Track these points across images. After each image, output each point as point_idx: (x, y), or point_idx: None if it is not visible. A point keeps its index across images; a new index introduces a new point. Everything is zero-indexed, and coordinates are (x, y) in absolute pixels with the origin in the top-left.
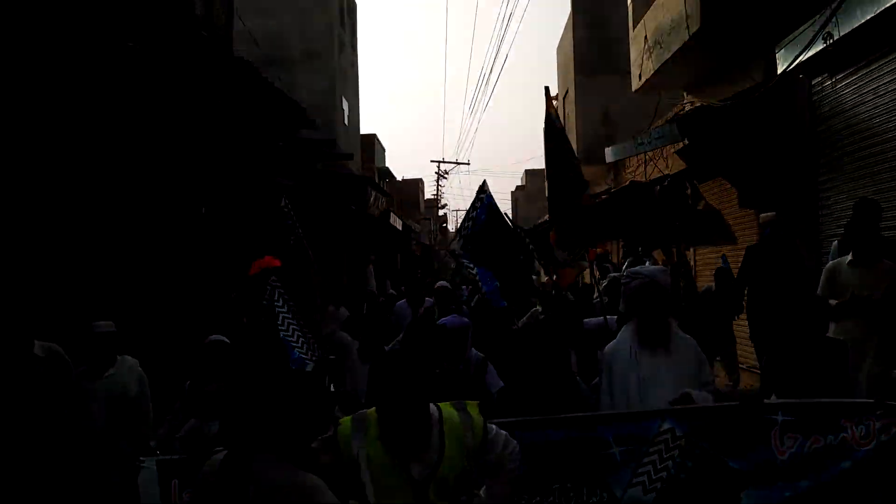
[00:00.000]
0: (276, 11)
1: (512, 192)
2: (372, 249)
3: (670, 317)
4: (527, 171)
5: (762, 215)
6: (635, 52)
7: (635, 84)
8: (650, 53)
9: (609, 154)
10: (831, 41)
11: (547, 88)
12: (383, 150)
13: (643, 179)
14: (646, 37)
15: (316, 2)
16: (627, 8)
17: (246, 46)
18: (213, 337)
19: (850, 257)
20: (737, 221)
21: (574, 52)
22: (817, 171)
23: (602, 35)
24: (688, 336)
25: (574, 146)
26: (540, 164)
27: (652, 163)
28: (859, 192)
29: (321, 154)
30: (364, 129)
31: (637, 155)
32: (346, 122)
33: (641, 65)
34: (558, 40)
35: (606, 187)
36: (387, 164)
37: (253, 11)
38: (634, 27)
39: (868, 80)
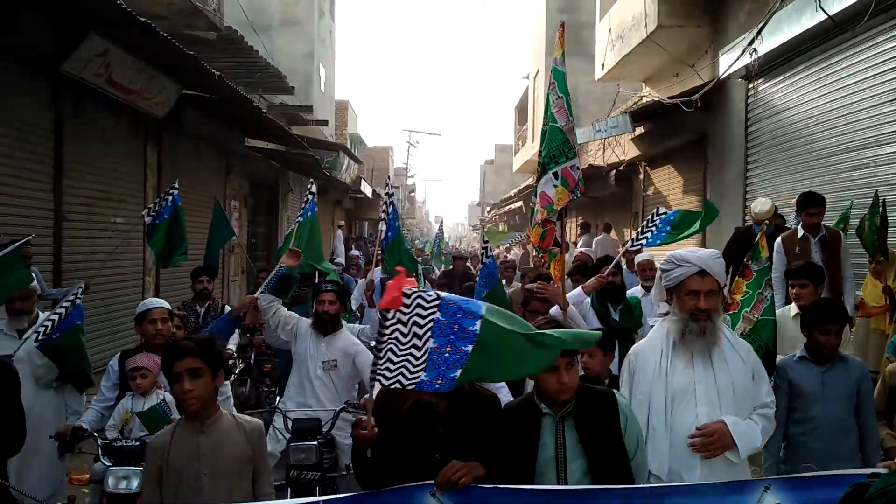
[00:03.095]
0: None
1: (481, 165)
2: (342, 215)
3: (718, 314)
4: (496, 145)
5: (756, 211)
6: (600, 43)
7: (598, 74)
8: (613, 46)
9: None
10: (755, 54)
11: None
12: (356, 116)
13: (602, 163)
14: (610, 30)
15: None
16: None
17: (230, 10)
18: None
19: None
20: (681, 206)
21: (546, 34)
22: (746, 166)
23: (573, 19)
24: (741, 340)
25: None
26: (509, 139)
27: (610, 148)
28: (781, 186)
29: (298, 119)
30: (338, 96)
31: (595, 140)
32: (322, 88)
33: (605, 56)
34: (532, 21)
35: None
36: (358, 131)
37: None
38: (601, 19)
39: (791, 86)
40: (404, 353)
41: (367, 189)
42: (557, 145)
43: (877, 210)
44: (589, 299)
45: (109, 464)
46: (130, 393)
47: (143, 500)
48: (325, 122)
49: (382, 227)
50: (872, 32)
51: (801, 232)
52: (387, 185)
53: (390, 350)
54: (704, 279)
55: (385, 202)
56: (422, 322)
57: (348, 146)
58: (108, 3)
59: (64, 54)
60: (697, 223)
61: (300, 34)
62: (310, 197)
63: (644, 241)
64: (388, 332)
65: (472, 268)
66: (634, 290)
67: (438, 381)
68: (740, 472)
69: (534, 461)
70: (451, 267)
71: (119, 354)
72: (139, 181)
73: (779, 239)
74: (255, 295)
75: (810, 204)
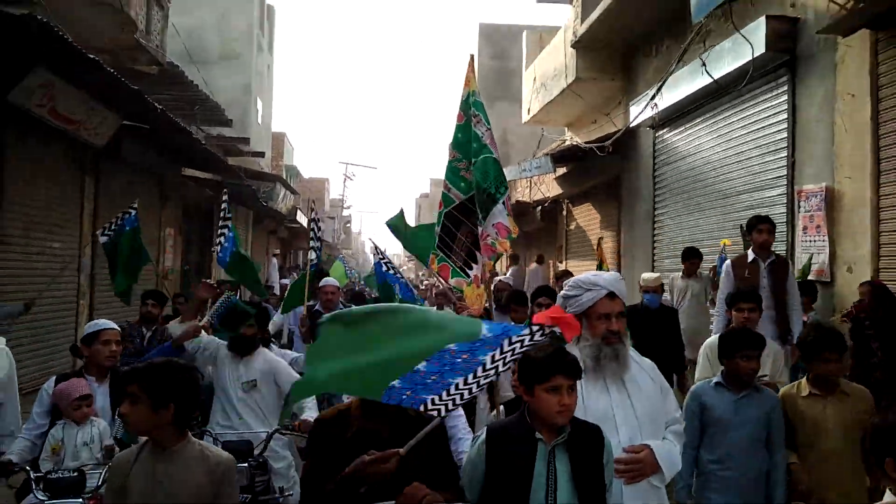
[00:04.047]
0: (197, 10)
1: (416, 198)
2: (277, 244)
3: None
4: (431, 180)
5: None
6: (526, 90)
7: (525, 117)
8: (537, 93)
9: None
10: (656, 108)
11: (472, 56)
12: (292, 148)
13: (529, 200)
14: (535, 78)
15: (236, 4)
16: (522, 50)
17: (171, 41)
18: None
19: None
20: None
21: (478, 76)
22: (654, 205)
23: (503, 65)
24: (645, 359)
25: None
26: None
27: (536, 186)
28: (685, 223)
29: (234, 150)
30: (275, 128)
31: (521, 179)
32: (259, 120)
33: (531, 101)
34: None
35: None
36: (294, 163)
37: (173, 9)
38: (526, 68)
39: (690, 136)
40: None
41: (302, 219)
42: (496, 175)
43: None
44: None
45: (45, 497)
46: (62, 421)
47: None
48: (261, 154)
49: (312, 255)
50: (755, 92)
51: (751, 256)
52: (312, 210)
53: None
54: (614, 301)
55: (313, 229)
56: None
57: (284, 177)
58: (57, 39)
59: (10, 85)
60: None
61: (239, 68)
62: (132, 212)
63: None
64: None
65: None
66: None
67: (407, 393)
68: (662, 496)
69: (528, 490)
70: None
71: (53, 379)
72: (77, 208)
73: (728, 262)
74: (203, 323)
75: (760, 221)
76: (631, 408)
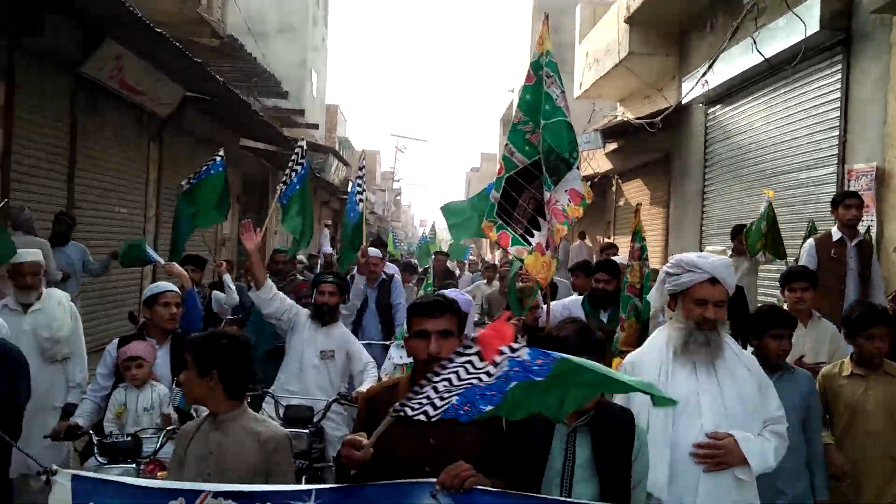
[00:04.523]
0: None
1: (466, 172)
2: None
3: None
4: (482, 154)
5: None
6: (578, 65)
7: (576, 92)
8: (590, 68)
9: None
10: (707, 85)
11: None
12: (345, 120)
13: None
14: (587, 53)
15: None
16: (575, 24)
17: (231, 17)
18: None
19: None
20: (649, 215)
21: (529, 51)
22: (704, 182)
23: (556, 39)
24: (745, 352)
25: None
26: (494, 149)
27: (586, 161)
28: (734, 201)
29: (290, 121)
30: (328, 100)
31: None
32: (314, 93)
33: (583, 76)
34: (518, 39)
35: None
36: (346, 135)
37: None
38: (579, 43)
39: (743, 113)
40: (447, 394)
41: None
42: (571, 140)
43: (768, 217)
44: (579, 302)
45: (104, 461)
46: (124, 384)
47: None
48: (315, 126)
49: (360, 207)
50: (808, 71)
51: (836, 234)
52: (361, 168)
53: (433, 387)
54: (715, 288)
55: (359, 183)
56: (493, 373)
57: (337, 149)
58: (127, 12)
59: (83, 57)
60: None
61: (295, 41)
62: (217, 159)
63: None
64: (442, 373)
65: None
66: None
67: (465, 408)
68: (748, 493)
69: (542, 472)
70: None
71: (117, 340)
72: (142, 175)
73: (810, 240)
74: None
75: (848, 196)
76: (720, 395)
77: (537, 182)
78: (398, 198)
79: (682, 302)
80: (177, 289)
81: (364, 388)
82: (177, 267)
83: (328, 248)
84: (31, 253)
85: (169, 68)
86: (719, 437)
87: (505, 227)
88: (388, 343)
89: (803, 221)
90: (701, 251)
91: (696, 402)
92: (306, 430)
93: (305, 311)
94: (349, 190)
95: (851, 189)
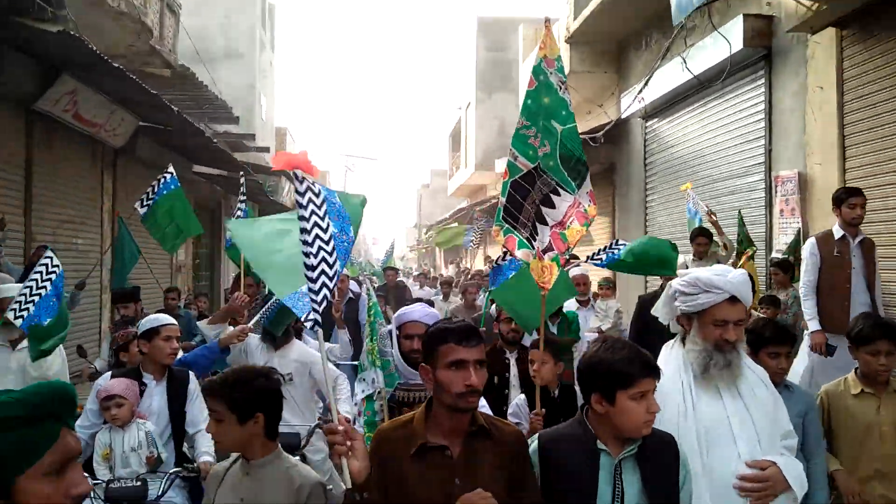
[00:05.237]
0: (202, 11)
1: (417, 189)
2: None
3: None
4: (432, 171)
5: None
6: (523, 82)
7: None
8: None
9: (498, 165)
10: (643, 101)
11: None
12: (294, 142)
13: None
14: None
15: (238, 3)
16: (519, 42)
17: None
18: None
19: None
20: (596, 224)
21: (476, 68)
22: (645, 192)
23: (501, 57)
24: (756, 365)
25: (473, 154)
26: (444, 165)
27: None
28: (674, 209)
29: (241, 146)
30: (277, 123)
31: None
32: (263, 116)
33: None
34: (464, 57)
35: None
36: None
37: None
38: (523, 62)
39: (677, 126)
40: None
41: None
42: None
43: (741, 225)
44: None
45: None
46: (107, 424)
47: None
48: (266, 149)
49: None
50: (735, 85)
51: (838, 232)
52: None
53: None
54: (735, 307)
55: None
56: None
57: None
58: (86, 50)
59: (38, 93)
60: (659, 263)
61: (243, 66)
62: (167, 176)
63: (598, 262)
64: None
65: (404, 281)
66: (569, 304)
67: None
68: None
69: None
70: (385, 281)
71: (109, 374)
72: (97, 206)
73: (811, 239)
74: (250, 325)
75: (852, 194)
76: (749, 418)
77: (535, 187)
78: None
79: (698, 323)
80: (175, 322)
81: (342, 408)
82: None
83: None
84: (10, 288)
85: (123, 100)
86: (762, 465)
87: (512, 231)
88: (355, 363)
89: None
90: None
91: (727, 428)
92: (297, 458)
93: (256, 336)
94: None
95: (778, 193)
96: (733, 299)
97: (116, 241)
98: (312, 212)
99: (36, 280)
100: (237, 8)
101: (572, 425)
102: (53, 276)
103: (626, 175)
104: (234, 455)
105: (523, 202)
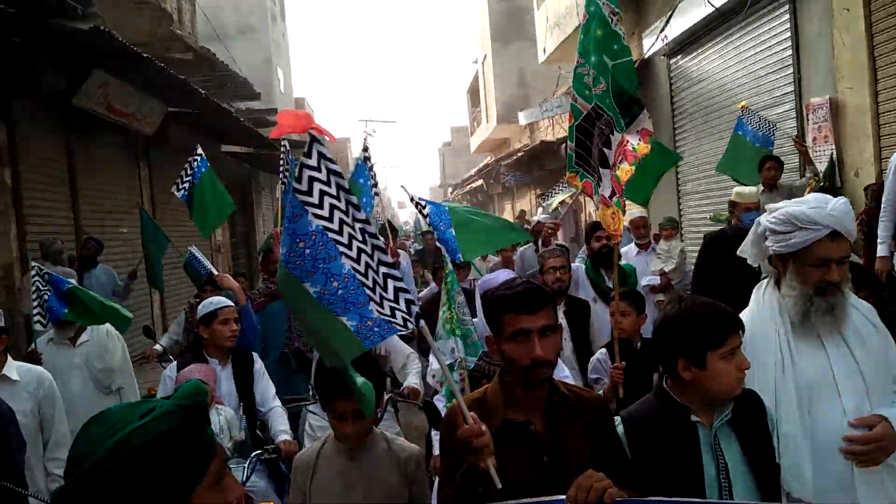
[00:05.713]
0: None
1: (439, 148)
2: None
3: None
4: (452, 128)
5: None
6: (539, 29)
7: (541, 57)
8: (551, 33)
9: (521, 118)
10: (666, 39)
11: None
12: (313, 111)
13: (553, 139)
14: (547, 17)
15: None
16: None
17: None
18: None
19: None
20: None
21: (490, 20)
22: (674, 132)
23: (514, 6)
24: (862, 301)
25: (494, 108)
26: (464, 122)
27: (559, 124)
28: (705, 147)
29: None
30: (295, 94)
31: (542, 119)
32: (281, 89)
33: (545, 41)
34: (476, 8)
35: (523, 144)
36: None
37: None
38: (538, 8)
39: (703, 61)
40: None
41: None
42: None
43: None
44: (583, 266)
45: None
46: None
47: None
48: None
49: (376, 200)
50: (759, 13)
51: None
52: (365, 151)
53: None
54: (837, 244)
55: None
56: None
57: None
58: (116, 44)
59: (73, 89)
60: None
61: (257, 41)
62: (198, 158)
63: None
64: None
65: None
66: (629, 248)
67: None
68: None
69: (702, 490)
70: (422, 246)
71: (175, 364)
72: (136, 194)
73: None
74: None
75: None
76: (856, 368)
77: (599, 126)
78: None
79: (794, 264)
80: (232, 304)
81: (411, 381)
82: (228, 279)
83: None
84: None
85: (150, 87)
86: (870, 422)
87: (587, 175)
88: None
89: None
90: (678, 196)
91: (831, 380)
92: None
93: None
94: (354, 179)
95: (810, 121)
96: (835, 234)
97: (141, 233)
98: (322, 192)
99: (38, 287)
100: None
101: (652, 400)
102: (46, 277)
103: (654, 116)
104: (319, 441)
105: (590, 145)
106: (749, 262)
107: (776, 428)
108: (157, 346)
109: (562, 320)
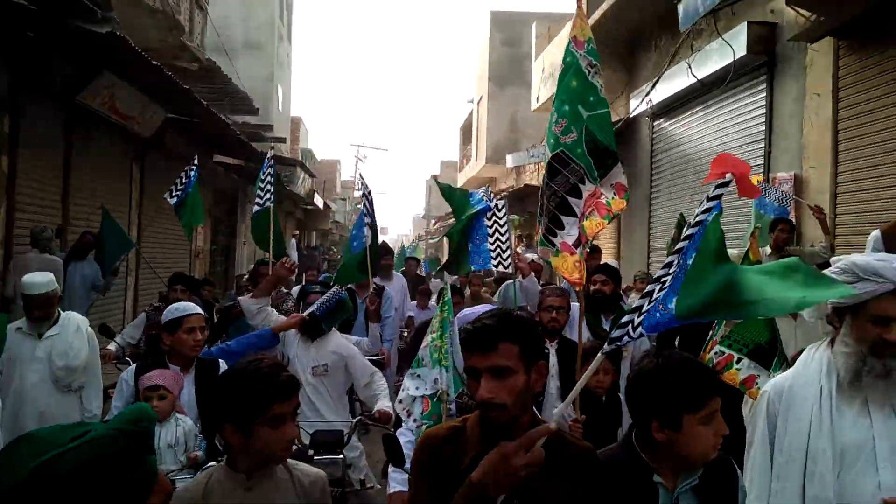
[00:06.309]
0: (221, 3)
1: (426, 179)
2: (294, 225)
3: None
4: (441, 162)
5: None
6: (535, 78)
7: (533, 105)
8: (546, 83)
9: (509, 160)
10: (651, 102)
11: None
12: (307, 131)
13: (537, 184)
14: (543, 68)
15: None
16: (532, 39)
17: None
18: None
19: None
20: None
21: (489, 62)
22: (651, 189)
23: (515, 52)
24: None
25: (484, 147)
26: (454, 156)
27: (543, 171)
28: (677, 204)
29: (258, 136)
30: (292, 113)
31: (529, 163)
32: (280, 107)
33: (539, 90)
34: (477, 51)
35: (509, 185)
36: (308, 146)
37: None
38: (535, 59)
39: (683, 126)
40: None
41: (318, 201)
42: (612, 133)
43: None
44: (577, 307)
45: None
46: None
47: None
48: (282, 140)
49: (367, 232)
50: (738, 89)
51: None
52: (363, 185)
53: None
54: None
55: (366, 204)
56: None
57: (301, 160)
58: (129, 49)
59: (79, 87)
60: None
61: (261, 58)
62: (194, 168)
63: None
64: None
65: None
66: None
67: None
68: None
69: None
70: (404, 269)
71: (133, 368)
72: (126, 194)
73: (875, 232)
74: (304, 314)
75: None
76: None
77: (559, 177)
78: (359, 206)
79: (851, 319)
80: (201, 311)
81: (384, 404)
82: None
83: (296, 258)
84: (41, 284)
85: (154, 93)
86: None
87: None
88: (377, 357)
89: (736, 223)
90: (648, 252)
91: (871, 450)
92: (340, 456)
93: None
94: (357, 213)
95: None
96: None
97: (99, 232)
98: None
99: None
100: (254, 1)
101: (618, 452)
102: None
103: (633, 174)
104: (204, 472)
105: (542, 198)
106: (805, 317)
107: (745, 500)
108: (111, 346)
109: (552, 358)
